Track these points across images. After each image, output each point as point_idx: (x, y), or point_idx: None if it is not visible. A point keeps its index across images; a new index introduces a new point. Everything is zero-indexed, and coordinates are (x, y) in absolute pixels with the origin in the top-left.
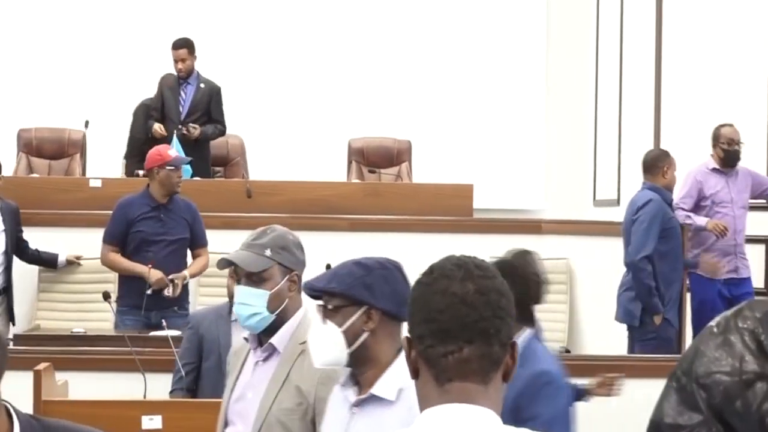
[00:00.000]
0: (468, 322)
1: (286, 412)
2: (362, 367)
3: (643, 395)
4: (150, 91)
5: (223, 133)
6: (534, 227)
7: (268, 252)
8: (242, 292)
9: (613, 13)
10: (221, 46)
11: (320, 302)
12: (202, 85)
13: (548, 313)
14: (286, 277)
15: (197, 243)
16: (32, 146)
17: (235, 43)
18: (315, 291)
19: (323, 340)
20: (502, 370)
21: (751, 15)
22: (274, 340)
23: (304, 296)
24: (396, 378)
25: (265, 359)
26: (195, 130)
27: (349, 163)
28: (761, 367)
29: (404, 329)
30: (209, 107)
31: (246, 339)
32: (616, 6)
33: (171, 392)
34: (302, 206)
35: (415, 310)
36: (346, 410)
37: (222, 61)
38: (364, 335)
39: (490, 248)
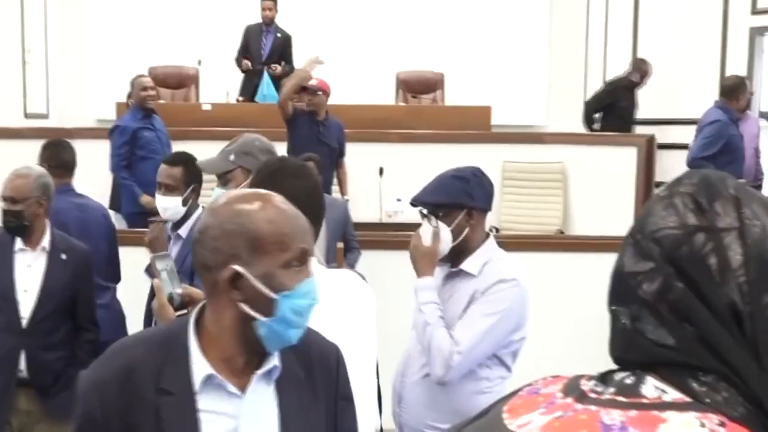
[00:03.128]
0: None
1: None
2: (461, 253)
3: None
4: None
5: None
6: (537, 138)
7: (232, 157)
8: (215, 192)
9: None
10: (289, 7)
11: (424, 210)
12: (278, 35)
13: (548, 204)
14: (249, 179)
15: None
16: (160, 80)
17: (302, 4)
18: (426, 204)
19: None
20: None
21: None
22: None
23: None
24: (480, 259)
25: None
26: (277, 68)
27: (397, 90)
28: (699, 221)
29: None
30: (283, 52)
31: None
32: None
33: None
34: (363, 124)
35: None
36: (440, 279)
37: (295, 9)
38: (466, 230)
39: (504, 154)
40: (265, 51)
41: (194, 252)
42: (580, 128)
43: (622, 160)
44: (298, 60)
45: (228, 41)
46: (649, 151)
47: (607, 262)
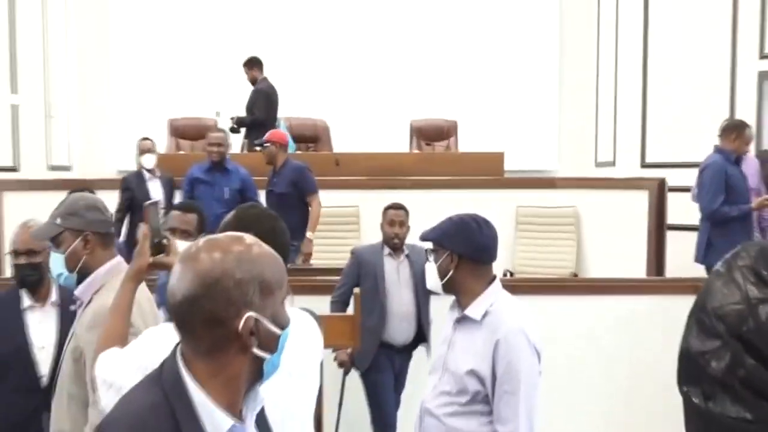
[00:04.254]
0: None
1: (68, 356)
2: (458, 295)
3: (632, 308)
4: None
5: (254, 121)
6: (550, 183)
7: (58, 220)
8: (51, 257)
9: (609, 22)
10: (309, 54)
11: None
12: (253, 90)
13: (560, 248)
14: (79, 238)
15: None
16: (179, 131)
17: (320, 53)
18: (422, 238)
19: (429, 272)
20: None
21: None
22: (77, 292)
23: None
24: (482, 305)
25: (82, 306)
26: (232, 121)
27: (411, 137)
28: (762, 293)
29: (482, 269)
30: (253, 105)
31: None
32: (612, 17)
33: (332, 302)
34: (377, 170)
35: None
36: (451, 325)
37: (310, 64)
38: (450, 272)
39: (517, 199)
40: (247, 107)
41: (194, 307)
42: (591, 172)
43: (634, 203)
44: (320, 108)
45: (244, 93)
46: (660, 193)
47: (621, 304)
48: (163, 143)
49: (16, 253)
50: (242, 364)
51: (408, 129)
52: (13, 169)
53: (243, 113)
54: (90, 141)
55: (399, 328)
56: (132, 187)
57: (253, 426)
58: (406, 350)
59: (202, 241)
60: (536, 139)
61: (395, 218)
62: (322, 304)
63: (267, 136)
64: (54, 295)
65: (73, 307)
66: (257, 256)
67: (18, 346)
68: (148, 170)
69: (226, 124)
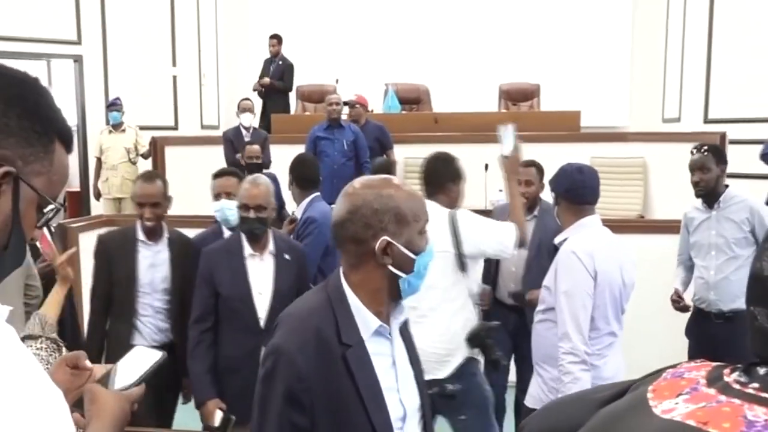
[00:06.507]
0: None
1: None
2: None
3: None
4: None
5: (286, 88)
6: (621, 137)
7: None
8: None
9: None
10: (415, 29)
11: None
12: (280, 63)
13: (629, 193)
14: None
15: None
16: (305, 95)
17: (424, 28)
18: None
19: None
20: None
21: None
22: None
23: None
24: (565, 234)
25: None
26: (264, 83)
27: (499, 99)
28: None
29: (576, 207)
30: (283, 76)
31: None
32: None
33: None
34: (470, 128)
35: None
36: None
37: (415, 38)
38: (557, 207)
39: (592, 151)
40: (272, 76)
41: (343, 228)
42: (658, 127)
43: None
44: (422, 75)
45: (359, 62)
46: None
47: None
48: (292, 106)
49: (245, 207)
50: (381, 278)
51: (497, 91)
52: (173, 128)
53: (358, 78)
54: (233, 104)
55: (506, 286)
56: (231, 139)
57: (398, 333)
58: (520, 311)
59: (357, 180)
60: (609, 99)
61: (521, 177)
62: None
63: (355, 98)
64: (271, 246)
65: (287, 256)
66: (395, 192)
67: (242, 292)
68: (245, 127)
69: (343, 86)
